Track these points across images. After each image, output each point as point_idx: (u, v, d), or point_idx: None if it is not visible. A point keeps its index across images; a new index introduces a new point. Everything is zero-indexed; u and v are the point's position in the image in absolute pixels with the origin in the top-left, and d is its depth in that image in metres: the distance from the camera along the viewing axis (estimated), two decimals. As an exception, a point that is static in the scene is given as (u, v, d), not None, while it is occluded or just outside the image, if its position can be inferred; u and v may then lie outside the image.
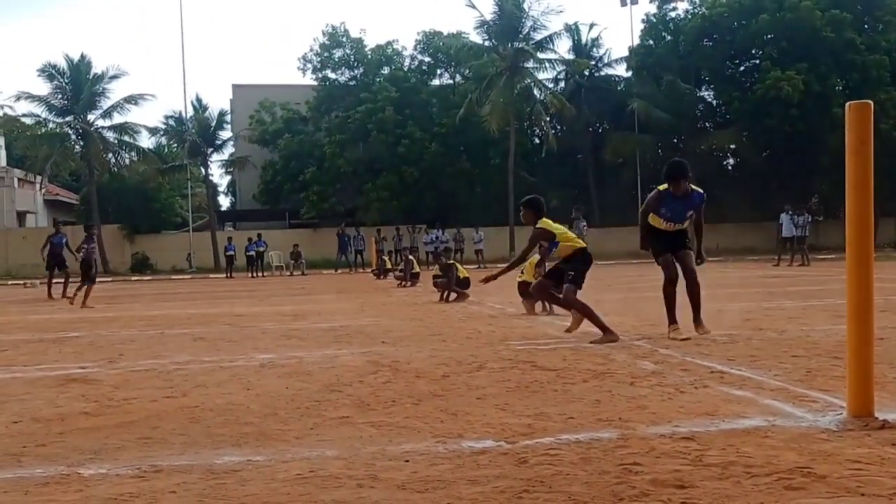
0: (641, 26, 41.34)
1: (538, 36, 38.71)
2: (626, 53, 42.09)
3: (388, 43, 42.08)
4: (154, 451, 3.43)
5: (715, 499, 2.60)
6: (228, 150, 41.54)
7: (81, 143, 38.16)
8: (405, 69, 41.94)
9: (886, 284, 12.05)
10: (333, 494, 2.76)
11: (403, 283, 17.74)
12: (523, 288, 9.92)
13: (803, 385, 4.47)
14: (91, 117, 38.09)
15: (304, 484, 2.89)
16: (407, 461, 3.15)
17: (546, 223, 7.20)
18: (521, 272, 9.93)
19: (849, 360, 3.58)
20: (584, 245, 7.30)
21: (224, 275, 30.57)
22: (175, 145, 42.25)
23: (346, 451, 3.33)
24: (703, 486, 2.73)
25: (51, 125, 38.10)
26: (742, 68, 40.41)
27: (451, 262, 13.02)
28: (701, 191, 7.08)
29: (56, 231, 18.18)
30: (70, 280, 17.01)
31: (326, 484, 2.88)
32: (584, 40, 43.11)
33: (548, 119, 40.55)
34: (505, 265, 7.97)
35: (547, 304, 9.72)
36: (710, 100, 42.25)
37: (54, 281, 17.31)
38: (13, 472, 3.15)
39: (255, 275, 30.09)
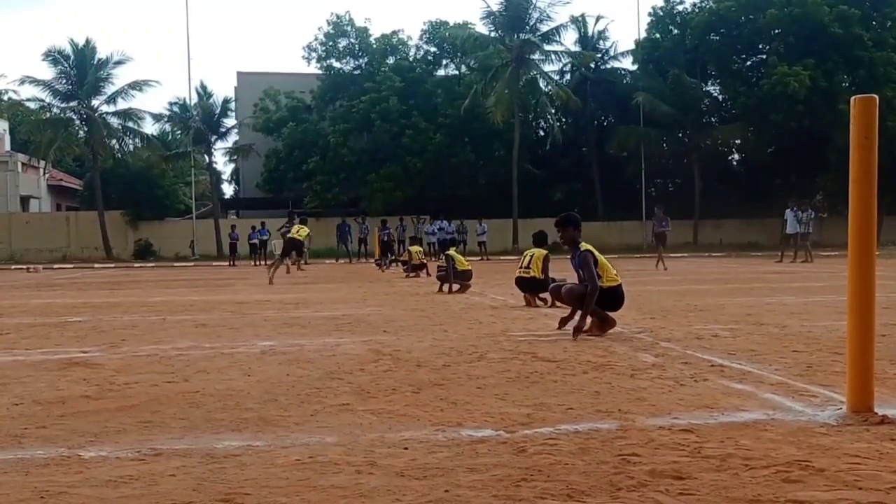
0: (648, 20, 41.22)
1: (544, 27, 38.62)
2: (632, 46, 41.99)
3: (394, 32, 41.99)
4: (154, 434, 3.44)
5: (712, 490, 2.60)
6: (232, 137, 41.56)
7: (85, 129, 38.14)
8: (410, 59, 41.81)
9: (890, 281, 12.02)
10: (332, 480, 2.77)
11: (410, 274, 17.73)
12: (521, 283, 9.92)
13: (803, 380, 4.48)
14: (95, 103, 38.05)
15: (302, 469, 2.90)
16: (406, 448, 3.16)
17: (591, 249, 6.75)
18: (526, 268, 9.87)
19: (849, 356, 3.58)
20: (619, 282, 6.81)
21: (227, 262, 30.63)
22: (179, 132, 42.20)
23: (346, 437, 3.34)
24: (701, 477, 2.73)
25: (55, 110, 38.03)
26: (749, 63, 40.25)
27: (449, 253, 13.01)
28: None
29: (293, 220, 18.91)
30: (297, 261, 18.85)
31: (325, 470, 2.89)
32: (590, 33, 43.01)
33: (553, 111, 40.48)
34: (584, 308, 6.59)
35: (549, 297, 9.69)
36: (715, 94, 42.11)
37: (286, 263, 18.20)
38: (14, 454, 3.16)
39: (258, 263, 30.14)
